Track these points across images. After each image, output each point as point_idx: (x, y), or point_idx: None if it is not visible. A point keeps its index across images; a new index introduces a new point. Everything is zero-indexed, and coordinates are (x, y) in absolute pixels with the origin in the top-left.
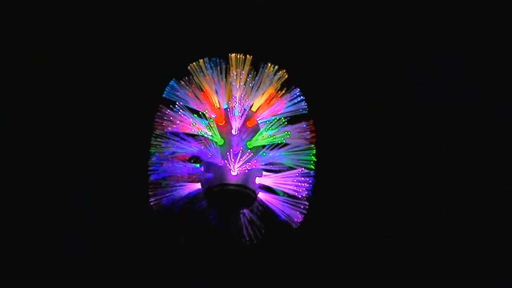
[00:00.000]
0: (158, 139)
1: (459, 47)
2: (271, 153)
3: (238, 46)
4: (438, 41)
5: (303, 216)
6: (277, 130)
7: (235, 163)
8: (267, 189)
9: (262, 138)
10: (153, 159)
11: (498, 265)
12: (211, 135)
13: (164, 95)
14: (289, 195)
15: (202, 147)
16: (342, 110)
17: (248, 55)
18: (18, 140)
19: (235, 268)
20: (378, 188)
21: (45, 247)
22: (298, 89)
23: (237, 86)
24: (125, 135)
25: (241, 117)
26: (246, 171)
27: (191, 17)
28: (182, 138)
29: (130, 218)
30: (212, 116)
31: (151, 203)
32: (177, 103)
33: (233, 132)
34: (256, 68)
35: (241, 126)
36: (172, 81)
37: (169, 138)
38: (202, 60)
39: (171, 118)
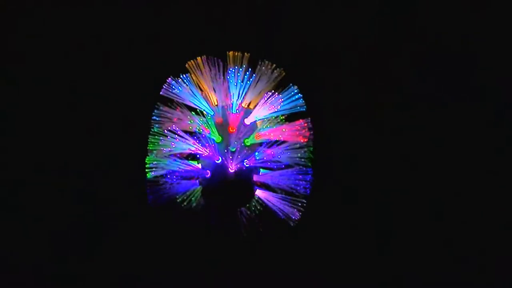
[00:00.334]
0: (156, 137)
1: (459, 47)
2: (269, 151)
3: (237, 46)
4: (438, 41)
5: (300, 214)
6: (274, 127)
7: (232, 161)
8: (265, 187)
9: (259, 135)
10: (150, 157)
11: (498, 265)
12: (209, 133)
13: (161, 93)
14: (287, 193)
15: (200, 144)
16: (342, 110)
17: (246, 53)
18: (18, 140)
19: (234, 268)
20: (378, 188)
21: (45, 247)
22: (296, 87)
23: (235, 84)
24: (125, 135)
25: (238, 115)
26: (244, 168)
27: (191, 17)
28: (179, 136)
29: (130, 218)
30: (210, 113)
31: (149, 201)
32: (174, 100)
33: (231, 129)
34: (254, 66)
35: (239, 124)
36: (170, 79)
37: (166, 136)
38: (200, 57)
39: (168, 115)
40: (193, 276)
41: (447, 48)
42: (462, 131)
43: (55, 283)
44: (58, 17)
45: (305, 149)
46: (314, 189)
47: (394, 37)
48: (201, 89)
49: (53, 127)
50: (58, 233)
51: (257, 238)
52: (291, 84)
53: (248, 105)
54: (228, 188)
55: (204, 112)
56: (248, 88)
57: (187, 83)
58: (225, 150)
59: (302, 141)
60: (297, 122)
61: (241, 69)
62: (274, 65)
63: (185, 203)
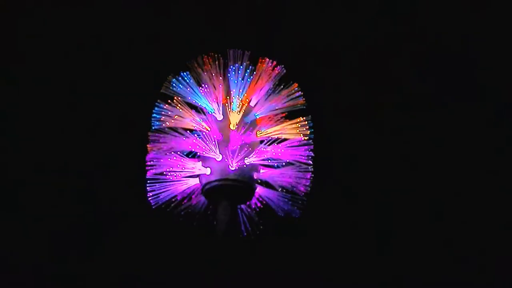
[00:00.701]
0: (156, 134)
1: (459, 47)
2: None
3: (237, 46)
4: (438, 41)
5: (301, 212)
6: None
7: (233, 158)
8: (266, 185)
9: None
10: (150, 154)
11: (498, 265)
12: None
13: (162, 91)
14: (287, 191)
15: (201, 142)
16: (342, 110)
17: (246, 51)
18: (18, 140)
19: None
20: (378, 188)
21: (45, 247)
22: (296, 84)
23: (236, 81)
24: (125, 135)
25: (239, 112)
26: (244, 166)
27: (191, 17)
28: (180, 133)
29: (130, 218)
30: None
31: (149, 199)
32: (175, 98)
33: (231, 127)
34: (255, 66)
35: (240, 121)
36: (170, 77)
37: (167, 133)
38: (200, 55)
39: (169, 113)
40: (193, 276)
41: (447, 48)
42: (462, 131)
43: (55, 283)
44: (58, 17)
45: (306, 147)
46: (314, 189)
47: (394, 37)
48: (201, 86)
49: (53, 127)
50: (58, 233)
51: (257, 236)
52: (291, 82)
53: (249, 103)
54: (228, 186)
55: (205, 110)
56: (249, 86)
57: (187, 81)
58: (226, 148)
59: (302, 138)
60: (298, 119)
61: (241, 67)
62: (275, 62)
63: (185, 201)
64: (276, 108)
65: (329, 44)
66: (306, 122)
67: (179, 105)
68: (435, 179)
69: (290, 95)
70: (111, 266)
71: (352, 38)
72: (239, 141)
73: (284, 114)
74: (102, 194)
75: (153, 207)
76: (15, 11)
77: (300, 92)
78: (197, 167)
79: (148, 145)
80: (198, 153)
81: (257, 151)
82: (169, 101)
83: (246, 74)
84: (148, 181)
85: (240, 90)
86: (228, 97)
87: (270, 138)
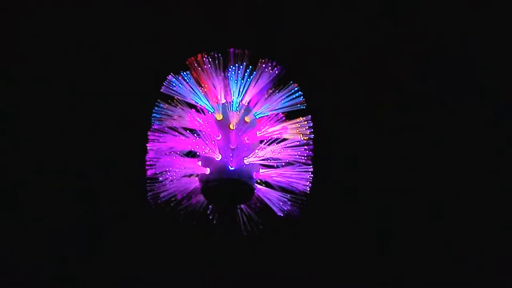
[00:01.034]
0: (156, 134)
1: (459, 47)
2: (269, 148)
3: (237, 47)
4: (438, 41)
5: (300, 212)
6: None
7: (233, 158)
8: (265, 184)
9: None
10: (150, 153)
11: (498, 265)
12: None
13: (162, 90)
14: (287, 191)
15: (200, 142)
16: (342, 110)
17: (246, 50)
18: (18, 140)
19: (234, 266)
20: (378, 188)
21: (45, 247)
22: (296, 84)
23: (235, 81)
24: (125, 135)
25: (239, 112)
26: (244, 166)
27: (191, 17)
28: (179, 133)
29: (130, 218)
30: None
31: (148, 198)
32: (175, 97)
33: (231, 127)
34: (254, 66)
35: (239, 121)
36: (170, 76)
37: (166, 133)
38: (200, 54)
39: (169, 112)
40: (193, 276)
41: (447, 48)
42: (462, 131)
43: (55, 283)
44: (58, 17)
45: (305, 147)
46: (314, 189)
47: (394, 37)
48: (201, 86)
49: (53, 127)
50: (58, 233)
51: (257, 236)
52: (291, 82)
53: (249, 103)
54: (228, 186)
55: (205, 109)
56: (249, 86)
57: (187, 80)
58: (225, 147)
59: (302, 138)
60: (297, 120)
61: (241, 67)
62: (274, 62)
63: (184, 201)
64: (276, 108)
65: (329, 44)
66: (306, 122)
67: (179, 104)
68: (435, 179)
69: (290, 95)
70: (111, 266)
71: (352, 38)
72: (238, 141)
73: (284, 114)
74: (102, 194)
75: (153, 206)
76: (15, 11)
77: (300, 92)
78: (197, 166)
79: (147, 145)
80: (198, 153)
81: (256, 151)
82: (169, 100)
83: (246, 74)
84: (148, 181)
85: (240, 90)
86: (227, 97)
87: (269, 138)
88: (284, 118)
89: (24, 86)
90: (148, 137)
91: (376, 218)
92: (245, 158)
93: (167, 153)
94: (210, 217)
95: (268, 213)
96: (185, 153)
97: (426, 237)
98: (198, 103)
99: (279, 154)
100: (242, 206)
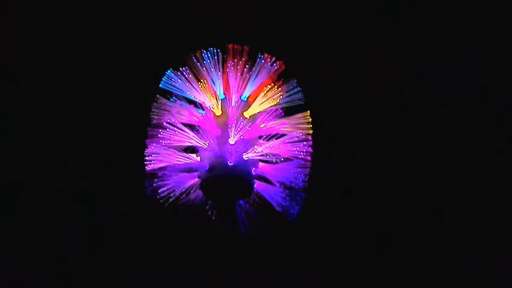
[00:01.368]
0: (155, 129)
1: (459, 47)
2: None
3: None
4: (438, 41)
5: (299, 209)
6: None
7: (231, 154)
8: (264, 180)
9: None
10: (149, 149)
11: (498, 265)
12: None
13: (161, 86)
14: (285, 186)
15: (199, 137)
16: (342, 110)
17: (245, 46)
18: (18, 140)
19: (234, 266)
20: (378, 188)
21: (45, 247)
22: (295, 80)
23: (234, 77)
24: (125, 135)
25: (237, 107)
26: (243, 161)
27: (191, 16)
28: (178, 128)
29: (130, 218)
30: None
31: (148, 193)
32: (174, 93)
33: (230, 122)
34: (253, 64)
35: (238, 117)
36: (169, 71)
37: (166, 129)
38: (199, 50)
39: (168, 108)
40: (193, 276)
41: (447, 48)
42: (462, 131)
43: (55, 283)
44: (58, 17)
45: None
46: (314, 189)
47: (394, 37)
48: (200, 82)
49: (53, 127)
50: (58, 233)
51: (256, 234)
52: (290, 78)
53: (248, 98)
54: (227, 181)
55: (203, 105)
56: (248, 81)
57: (186, 76)
58: (225, 143)
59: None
60: (296, 115)
61: (240, 62)
62: (274, 57)
63: (183, 196)
64: (275, 103)
65: (329, 44)
66: (305, 118)
67: (178, 100)
68: (435, 179)
69: (288, 90)
70: (111, 266)
71: (352, 38)
72: (237, 137)
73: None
74: (102, 194)
75: (152, 202)
76: (15, 11)
77: (298, 88)
78: (195, 162)
79: (146, 140)
80: (197, 148)
81: (255, 146)
82: (167, 95)
83: (245, 70)
84: (147, 176)
85: (239, 86)
86: (226, 92)
87: (268, 133)
88: (283, 113)
89: (24, 86)
90: (147, 133)
91: (376, 218)
92: (244, 154)
93: (166, 149)
94: (209, 213)
95: (268, 213)
96: (184, 148)
97: (426, 237)
98: (197, 98)
99: (278, 150)
100: (241, 202)
